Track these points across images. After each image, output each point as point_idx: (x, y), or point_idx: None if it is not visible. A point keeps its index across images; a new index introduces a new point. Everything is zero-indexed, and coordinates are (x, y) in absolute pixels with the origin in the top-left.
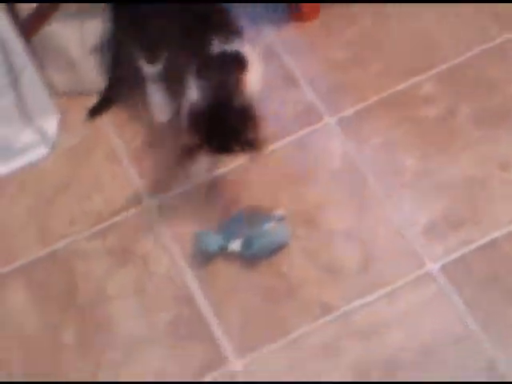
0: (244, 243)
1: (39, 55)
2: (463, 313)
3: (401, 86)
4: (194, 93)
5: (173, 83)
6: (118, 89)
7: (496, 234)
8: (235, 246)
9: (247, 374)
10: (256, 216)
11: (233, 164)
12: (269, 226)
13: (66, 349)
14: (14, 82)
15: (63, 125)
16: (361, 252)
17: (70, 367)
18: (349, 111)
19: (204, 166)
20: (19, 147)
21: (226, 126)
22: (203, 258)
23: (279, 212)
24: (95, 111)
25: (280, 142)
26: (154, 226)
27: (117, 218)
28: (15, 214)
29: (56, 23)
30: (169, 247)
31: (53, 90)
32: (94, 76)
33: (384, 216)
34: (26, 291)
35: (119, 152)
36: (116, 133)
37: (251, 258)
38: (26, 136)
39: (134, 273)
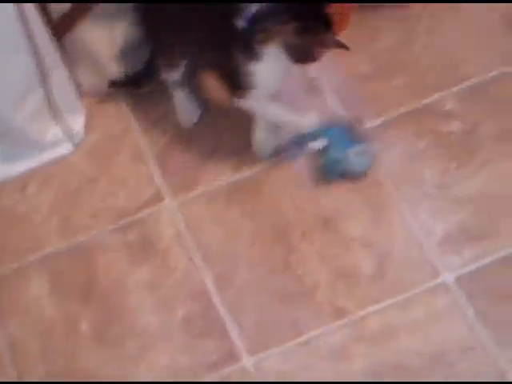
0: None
1: (69, 55)
2: (475, 324)
3: (424, 101)
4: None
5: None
6: (150, 77)
7: None
8: (316, 144)
9: (258, 372)
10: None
11: (255, 168)
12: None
13: (83, 338)
14: (44, 80)
15: (90, 123)
16: (377, 259)
17: (85, 357)
18: (373, 122)
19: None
20: (47, 142)
21: None
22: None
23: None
24: (117, 84)
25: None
26: (174, 224)
27: (139, 215)
28: (40, 205)
29: (86, 25)
30: (188, 245)
31: (81, 90)
32: (121, 77)
33: (402, 225)
34: (47, 281)
35: (144, 151)
36: (142, 132)
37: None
38: (54, 132)
39: (152, 268)
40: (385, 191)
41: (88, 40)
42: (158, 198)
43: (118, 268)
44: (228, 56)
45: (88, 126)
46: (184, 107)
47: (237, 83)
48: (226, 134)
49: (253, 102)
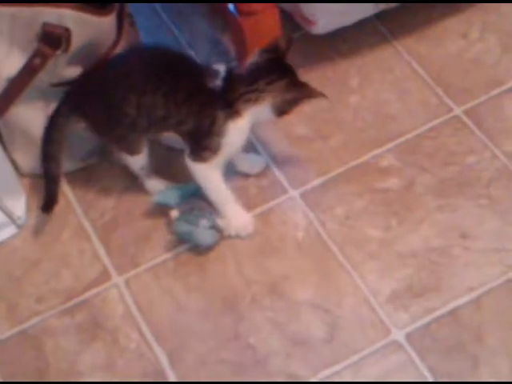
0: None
1: (5, 137)
2: (428, 380)
3: (362, 159)
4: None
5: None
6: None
7: (458, 302)
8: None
9: None
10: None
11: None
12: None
13: None
14: None
15: (32, 204)
16: (327, 322)
17: None
18: (311, 184)
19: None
20: None
21: None
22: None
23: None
24: (48, 206)
25: None
26: (122, 301)
27: (86, 295)
28: None
29: (21, 104)
30: (138, 323)
31: (19, 171)
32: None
33: (349, 286)
34: None
35: (87, 228)
36: (84, 209)
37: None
38: None
39: (104, 349)
40: (330, 254)
41: (23, 121)
42: (104, 276)
43: (68, 351)
44: (203, 118)
45: (30, 207)
46: (158, 188)
47: (202, 144)
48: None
49: (209, 170)
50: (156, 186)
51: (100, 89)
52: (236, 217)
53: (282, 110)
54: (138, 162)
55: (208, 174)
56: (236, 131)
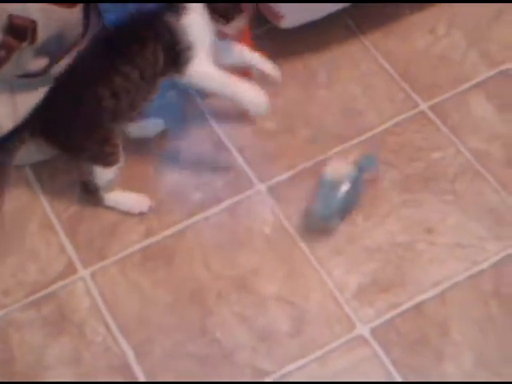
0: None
1: None
2: (392, 373)
3: (328, 154)
4: None
5: None
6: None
7: (423, 297)
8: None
9: None
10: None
11: (164, 234)
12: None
13: None
14: None
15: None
16: (293, 316)
17: None
18: (279, 178)
19: None
20: None
21: None
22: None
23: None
24: None
25: (212, 210)
26: (89, 295)
27: (52, 288)
28: None
29: None
30: (104, 316)
31: None
32: (25, 149)
33: (316, 281)
34: None
35: (54, 221)
36: (50, 202)
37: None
38: None
39: (70, 342)
40: (297, 249)
41: None
42: (70, 269)
43: (34, 344)
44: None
45: None
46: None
47: (178, 58)
48: None
49: (203, 68)
50: (116, 198)
51: (67, 102)
52: (256, 95)
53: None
54: (109, 174)
55: (206, 73)
56: (194, 27)
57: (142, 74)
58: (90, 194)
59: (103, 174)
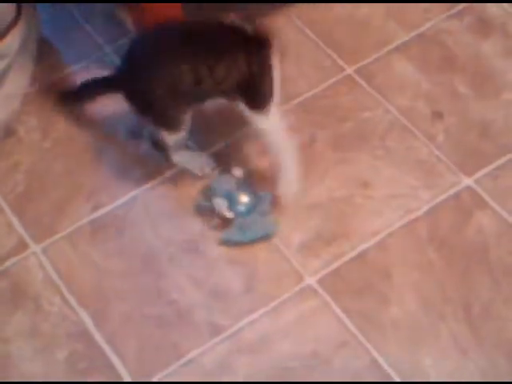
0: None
1: None
2: (343, 320)
3: None
4: None
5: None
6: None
7: (364, 246)
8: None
9: None
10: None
11: (113, 205)
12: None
13: None
14: None
15: None
16: (244, 274)
17: None
18: (215, 148)
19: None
20: None
21: None
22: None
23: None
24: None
25: (156, 181)
26: (42, 269)
27: (5, 264)
28: None
29: None
30: (59, 287)
31: None
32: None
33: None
34: None
35: (0, 202)
36: None
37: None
38: None
39: (27, 314)
40: None
41: None
42: (21, 246)
43: None
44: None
45: None
46: (194, 161)
47: (257, 98)
48: (81, 176)
49: (277, 121)
50: (182, 157)
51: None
52: (296, 181)
53: None
54: (175, 138)
55: (278, 126)
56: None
57: (215, 78)
58: (160, 152)
59: (170, 138)
